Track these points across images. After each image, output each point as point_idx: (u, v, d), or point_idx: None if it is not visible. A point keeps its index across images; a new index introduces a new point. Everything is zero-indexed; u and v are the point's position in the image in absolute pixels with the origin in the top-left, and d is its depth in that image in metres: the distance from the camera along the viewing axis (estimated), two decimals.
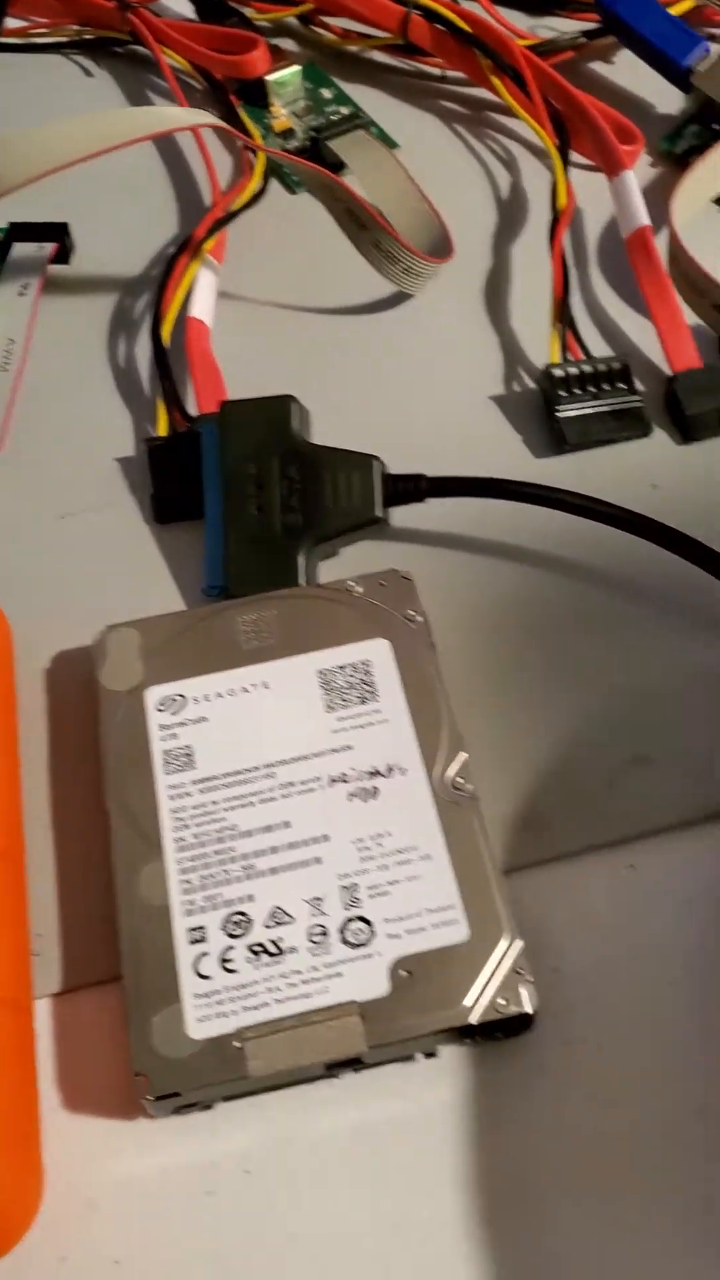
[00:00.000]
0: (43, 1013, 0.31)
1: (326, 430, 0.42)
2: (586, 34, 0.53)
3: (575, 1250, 0.27)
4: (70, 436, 0.42)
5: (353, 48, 0.56)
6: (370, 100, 0.54)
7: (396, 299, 0.46)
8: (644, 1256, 0.27)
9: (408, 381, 0.44)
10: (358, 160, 0.48)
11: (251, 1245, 0.28)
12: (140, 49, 0.55)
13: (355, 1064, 0.29)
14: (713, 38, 0.52)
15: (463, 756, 0.32)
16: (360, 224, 0.43)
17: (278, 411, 0.39)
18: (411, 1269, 0.27)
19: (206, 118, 0.43)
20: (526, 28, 0.55)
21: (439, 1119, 0.29)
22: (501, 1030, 0.29)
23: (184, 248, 0.45)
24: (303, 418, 0.39)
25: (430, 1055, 0.29)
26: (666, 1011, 0.30)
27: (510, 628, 0.37)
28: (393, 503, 0.38)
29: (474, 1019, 0.28)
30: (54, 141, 0.41)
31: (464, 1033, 0.29)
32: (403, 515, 0.39)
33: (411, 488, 0.38)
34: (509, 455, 0.41)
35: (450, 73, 0.55)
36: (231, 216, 0.47)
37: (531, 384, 0.43)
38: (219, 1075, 0.28)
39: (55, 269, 0.47)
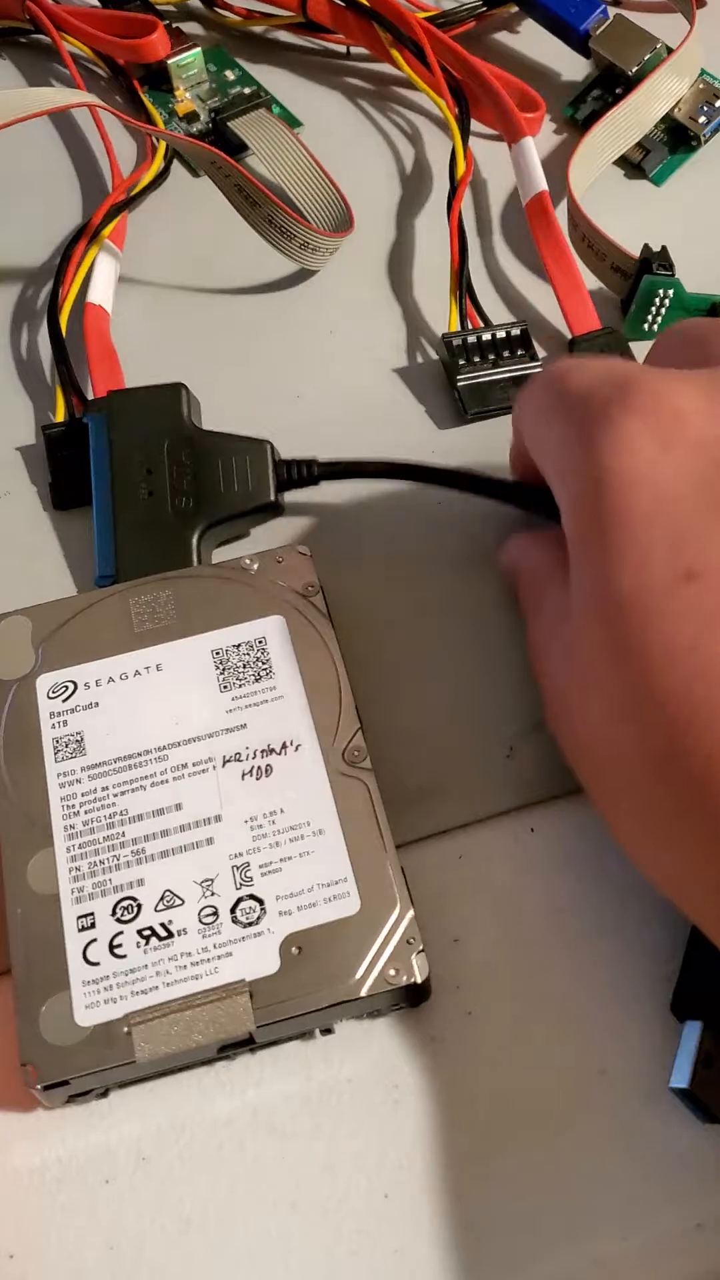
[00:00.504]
0: None
1: (229, 408, 0.41)
2: (487, 2, 0.52)
3: (481, 1216, 0.27)
4: None
5: (256, 28, 0.55)
6: (276, 80, 0.53)
7: (299, 276, 0.46)
8: (546, 1216, 0.27)
9: (311, 357, 0.43)
10: (257, 139, 0.48)
11: (149, 1232, 0.27)
12: (43, 38, 0.55)
13: (249, 1044, 0.28)
14: (612, 0, 0.51)
15: (358, 730, 0.32)
16: (251, 200, 0.43)
17: (167, 400, 0.38)
18: (313, 1248, 0.27)
19: (82, 97, 0.42)
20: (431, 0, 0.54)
21: (337, 1095, 0.29)
22: (396, 1002, 0.29)
23: (81, 234, 0.45)
24: (192, 405, 0.39)
25: (327, 1031, 0.29)
26: (567, 974, 0.30)
27: (408, 601, 0.36)
28: (286, 488, 0.38)
29: (365, 991, 0.28)
30: None
31: (357, 1006, 0.28)
32: (298, 494, 0.38)
33: (304, 473, 0.37)
34: (412, 427, 0.41)
35: (355, 49, 0.54)
36: (131, 201, 0.47)
37: (434, 355, 0.43)
38: (107, 1061, 0.27)
39: None
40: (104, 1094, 0.29)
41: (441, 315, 0.44)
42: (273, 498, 0.37)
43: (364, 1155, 0.28)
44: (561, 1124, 0.28)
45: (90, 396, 0.41)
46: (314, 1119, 0.29)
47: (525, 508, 0.36)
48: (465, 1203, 0.27)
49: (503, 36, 0.54)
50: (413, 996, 0.29)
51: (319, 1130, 0.28)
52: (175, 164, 0.50)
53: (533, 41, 0.53)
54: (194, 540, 0.36)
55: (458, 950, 0.30)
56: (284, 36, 0.55)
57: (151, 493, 0.37)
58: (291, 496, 0.38)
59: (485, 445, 0.40)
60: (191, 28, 0.56)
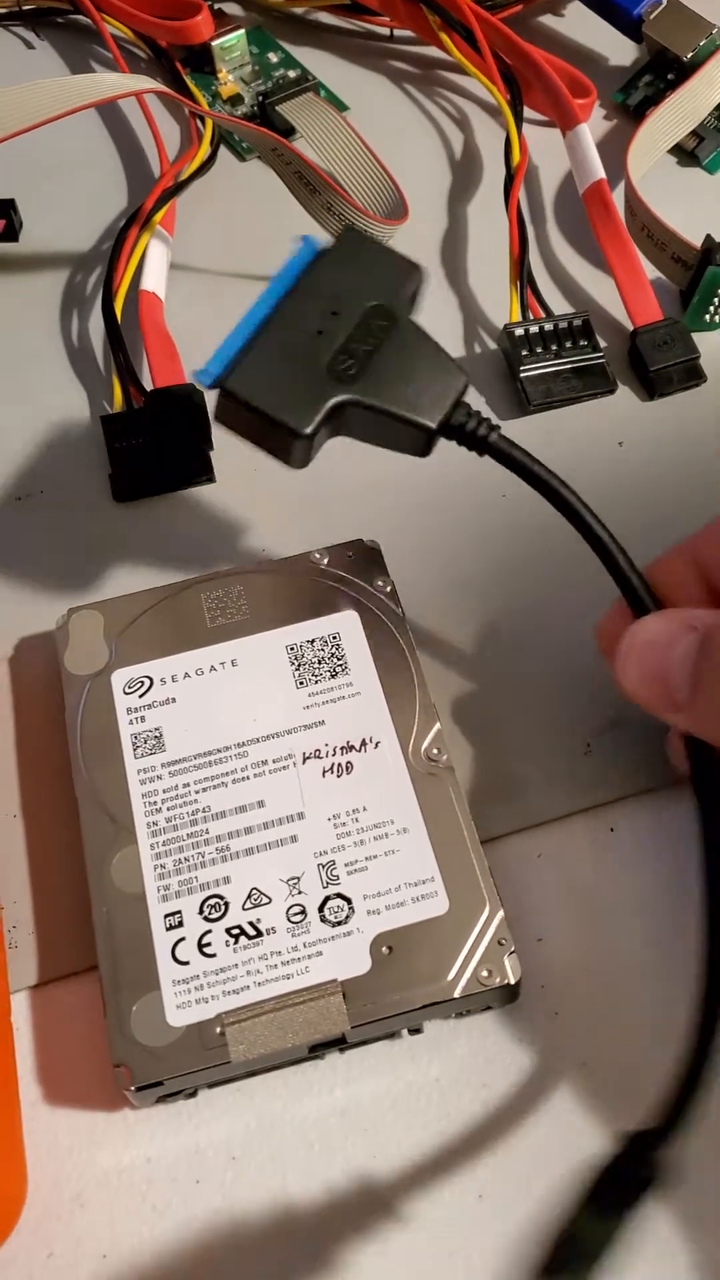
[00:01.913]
0: (20, 1006, 0.30)
1: None
2: None
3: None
4: (24, 417, 0.41)
5: (298, 9, 0.54)
6: (319, 63, 0.53)
7: None
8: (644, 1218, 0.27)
9: None
10: (307, 124, 0.47)
11: (240, 1233, 0.27)
12: (82, 18, 0.54)
13: (339, 1044, 0.28)
14: None
15: (437, 727, 0.32)
16: (312, 188, 0.42)
17: (398, 271, 0.32)
18: (409, 1247, 0.27)
19: (147, 83, 0.42)
20: None
21: (426, 1096, 0.29)
22: (486, 1003, 0.29)
23: (133, 220, 0.44)
24: (417, 293, 0.32)
25: (415, 1031, 0.29)
26: (654, 974, 0.30)
27: (479, 596, 0.36)
28: (451, 433, 0.31)
29: (458, 992, 0.28)
30: None
31: (448, 1007, 0.28)
32: (368, 481, 0.38)
33: (478, 431, 0.31)
34: None
35: (399, 31, 0.53)
36: (181, 186, 0.46)
37: (492, 345, 0.42)
38: (201, 1062, 0.27)
39: (2, 247, 0.46)
40: (192, 1094, 0.29)
41: (498, 305, 0.43)
42: (434, 426, 0.30)
43: (455, 1156, 0.28)
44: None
45: (147, 386, 0.40)
46: (403, 1119, 0.28)
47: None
48: (560, 1204, 0.27)
49: (547, 19, 0.54)
50: (502, 997, 0.29)
51: (409, 1130, 0.28)
52: (220, 149, 0.49)
53: (578, 24, 0.53)
54: (328, 405, 0.30)
55: (542, 950, 0.30)
56: (325, 18, 0.55)
57: (321, 332, 0.30)
58: (363, 476, 0.38)
59: (548, 438, 0.40)
60: (231, 8, 0.55)
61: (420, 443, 0.31)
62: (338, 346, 0.30)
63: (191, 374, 0.30)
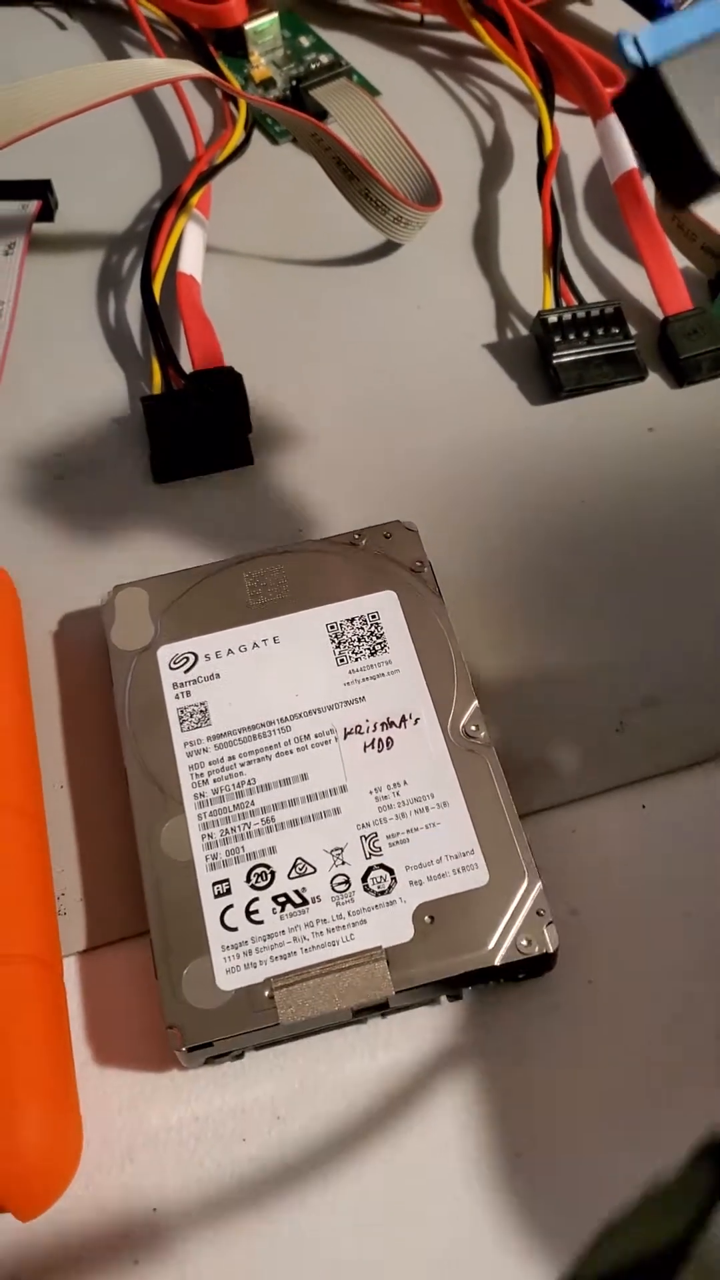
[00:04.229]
0: (70, 970, 0.31)
1: (318, 382, 0.42)
2: None
3: (609, 1176, 0.28)
4: (63, 398, 0.42)
5: None
6: (349, 47, 0.53)
7: (384, 249, 0.46)
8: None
9: (398, 332, 0.43)
10: (341, 109, 0.48)
11: (285, 1189, 0.28)
12: (115, 0, 0.55)
13: (382, 1009, 0.29)
14: None
15: (474, 704, 0.33)
16: (349, 173, 0.43)
17: None
18: (444, 1206, 0.28)
19: (192, 68, 0.42)
20: None
21: (464, 1059, 0.30)
22: (524, 971, 0.30)
23: (170, 202, 0.45)
24: None
25: (455, 998, 0.30)
26: (682, 945, 0.31)
27: (517, 574, 0.37)
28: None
29: (498, 960, 0.29)
30: (32, 102, 0.40)
31: (488, 974, 0.29)
32: (405, 459, 0.39)
33: None
34: (504, 404, 0.41)
35: (430, 17, 0.54)
36: (216, 169, 0.47)
37: (524, 331, 0.43)
38: (250, 1024, 0.28)
39: (40, 227, 0.47)
40: (239, 1056, 0.30)
41: (529, 291, 0.44)
42: None
43: (493, 1117, 0.29)
44: (684, 1089, 0.29)
45: (186, 368, 0.41)
46: (443, 1082, 0.29)
47: None
48: (593, 1163, 0.28)
49: (577, 7, 0.54)
50: (539, 966, 0.30)
51: (448, 1093, 0.29)
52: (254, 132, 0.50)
53: (608, 13, 0.53)
54: None
55: (577, 921, 0.31)
56: (356, 3, 0.55)
57: None
58: (399, 456, 0.39)
59: (579, 423, 0.40)
60: None
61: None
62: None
63: (617, 41, 0.23)
